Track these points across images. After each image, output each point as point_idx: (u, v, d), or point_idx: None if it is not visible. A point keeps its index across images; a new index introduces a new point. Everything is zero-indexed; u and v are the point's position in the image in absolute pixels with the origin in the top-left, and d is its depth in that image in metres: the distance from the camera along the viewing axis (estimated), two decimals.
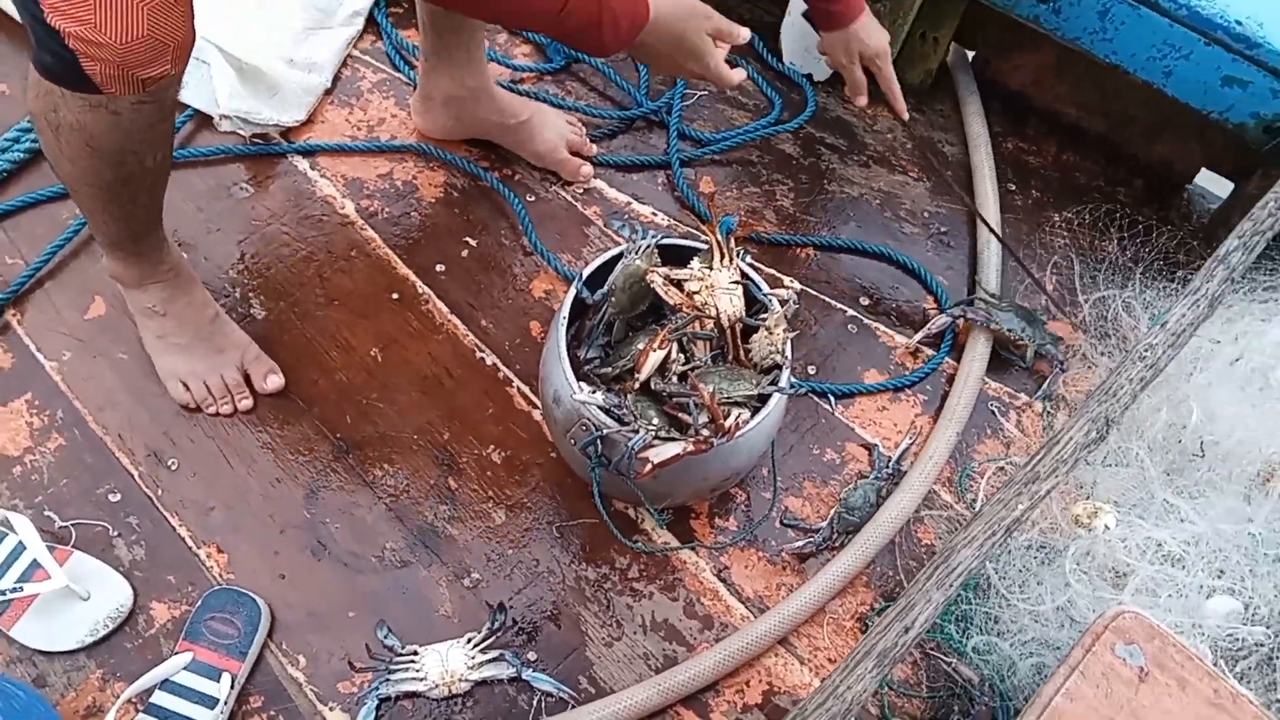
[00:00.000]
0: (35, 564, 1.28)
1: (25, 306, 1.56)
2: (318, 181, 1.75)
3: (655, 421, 1.26)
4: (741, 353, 1.35)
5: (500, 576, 1.41)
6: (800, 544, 1.46)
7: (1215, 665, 1.11)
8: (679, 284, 1.33)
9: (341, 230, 1.70)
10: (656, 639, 1.39)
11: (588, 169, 1.79)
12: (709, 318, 1.32)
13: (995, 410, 1.61)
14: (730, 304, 1.33)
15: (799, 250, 1.77)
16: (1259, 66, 1.60)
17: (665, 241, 1.39)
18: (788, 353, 1.32)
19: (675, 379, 1.29)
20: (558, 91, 1.90)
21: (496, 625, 1.34)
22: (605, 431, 1.24)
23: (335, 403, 1.53)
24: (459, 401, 1.55)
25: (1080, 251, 1.81)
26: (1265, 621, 1.21)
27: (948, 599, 1.09)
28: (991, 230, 1.74)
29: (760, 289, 1.36)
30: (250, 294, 1.61)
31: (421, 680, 1.30)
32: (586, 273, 1.36)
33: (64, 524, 1.38)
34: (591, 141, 1.82)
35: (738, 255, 1.36)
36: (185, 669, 1.26)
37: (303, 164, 1.76)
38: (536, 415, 1.54)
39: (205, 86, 1.73)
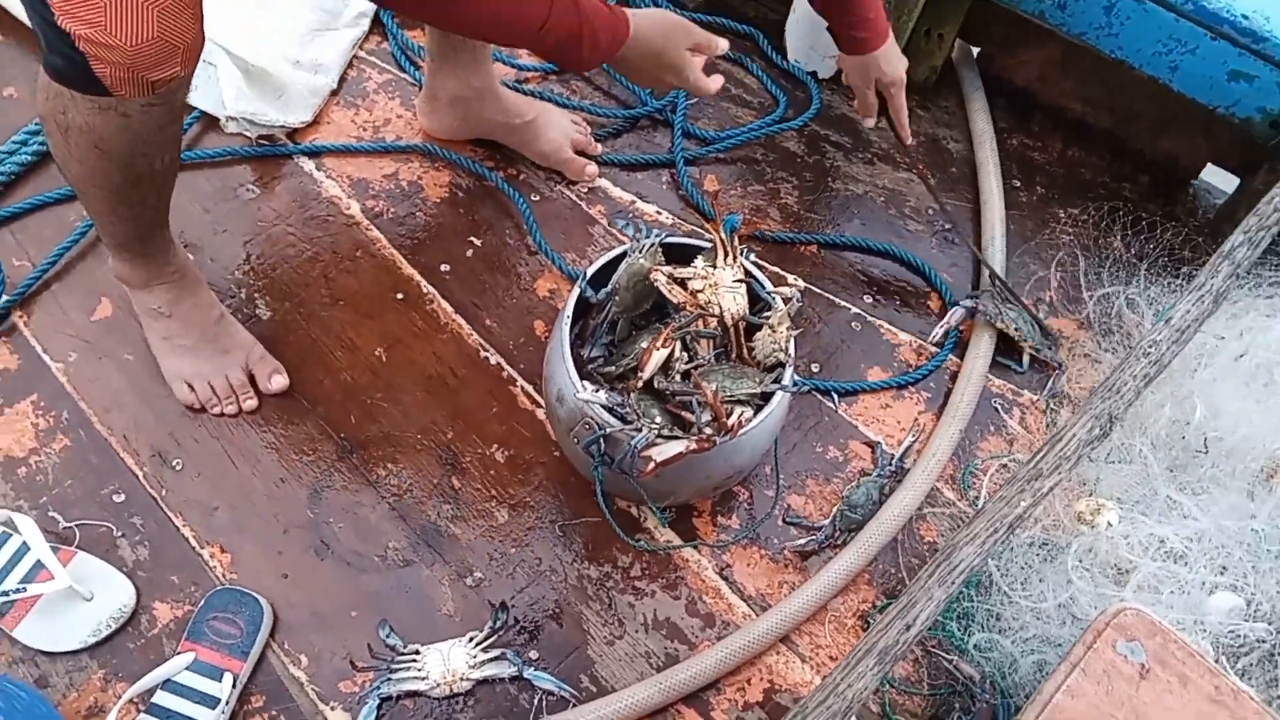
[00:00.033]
0: (39, 565, 1.29)
1: (32, 308, 1.57)
2: (323, 182, 1.75)
3: (658, 420, 1.26)
4: (745, 351, 1.35)
5: (503, 575, 1.42)
6: (802, 542, 1.46)
7: (1217, 662, 1.10)
8: (682, 282, 1.34)
9: (347, 231, 1.70)
10: (658, 637, 1.39)
11: (592, 168, 1.79)
12: (712, 316, 1.32)
13: (999, 407, 1.61)
14: (734, 302, 1.33)
15: (803, 248, 1.77)
16: (1266, 61, 1.59)
17: (669, 240, 1.39)
18: (791, 351, 1.32)
19: (678, 377, 1.30)
20: (563, 91, 1.91)
21: (498, 624, 1.34)
22: (608, 430, 1.24)
23: (340, 402, 1.53)
24: (463, 401, 1.55)
25: (1085, 248, 1.80)
26: (1267, 618, 1.20)
27: (950, 596, 1.09)
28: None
29: (764, 287, 1.36)
30: (256, 295, 1.62)
31: (423, 679, 1.31)
32: (590, 272, 1.36)
33: (68, 525, 1.39)
34: (596, 140, 1.83)
35: (741, 253, 1.36)
36: (187, 669, 1.27)
37: (308, 165, 1.77)
38: (540, 414, 1.54)
39: (212, 88, 1.74)
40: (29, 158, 1.69)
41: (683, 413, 1.26)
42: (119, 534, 1.40)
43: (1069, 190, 1.88)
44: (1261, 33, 1.57)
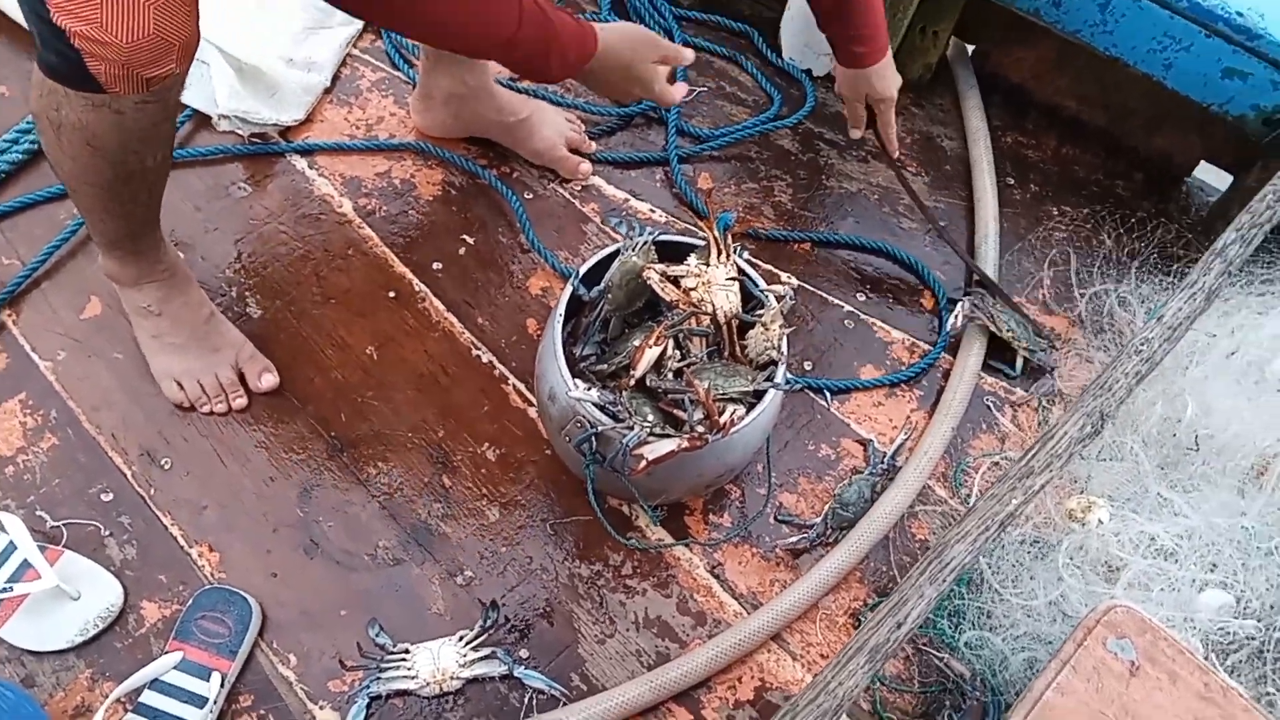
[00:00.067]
0: (26, 564, 1.29)
1: (21, 307, 1.56)
2: (316, 180, 1.75)
3: (650, 418, 1.25)
4: (737, 349, 1.34)
5: (493, 574, 1.41)
6: (794, 540, 1.45)
7: (1206, 659, 1.10)
8: (675, 280, 1.33)
9: (339, 229, 1.70)
10: (649, 636, 1.39)
11: (586, 166, 1.79)
12: (705, 314, 1.32)
13: (991, 405, 1.60)
14: (726, 300, 1.33)
15: (796, 246, 1.76)
16: (1259, 58, 1.59)
17: (662, 238, 1.39)
18: (784, 349, 1.32)
19: (671, 375, 1.29)
20: (557, 89, 1.90)
21: (489, 623, 1.34)
22: (600, 428, 1.24)
23: (330, 401, 1.53)
24: (454, 399, 1.55)
25: (1078, 245, 1.80)
26: (1257, 615, 1.20)
27: (941, 594, 1.08)
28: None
29: (757, 285, 1.36)
30: (247, 293, 1.61)
31: (413, 678, 1.30)
32: (583, 270, 1.36)
33: (55, 524, 1.39)
34: (590, 138, 1.82)
35: (735, 251, 1.36)
36: (175, 668, 1.26)
37: (301, 163, 1.77)
38: (532, 413, 1.54)
39: (204, 86, 1.74)
40: (20, 156, 1.68)
41: (675, 411, 1.25)
42: (107, 533, 1.39)
43: (1063, 188, 1.88)
44: (1256, 30, 1.57)
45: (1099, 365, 1.59)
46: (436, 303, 1.64)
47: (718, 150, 1.86)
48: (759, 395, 1.29)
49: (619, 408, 1.24)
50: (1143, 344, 1.30)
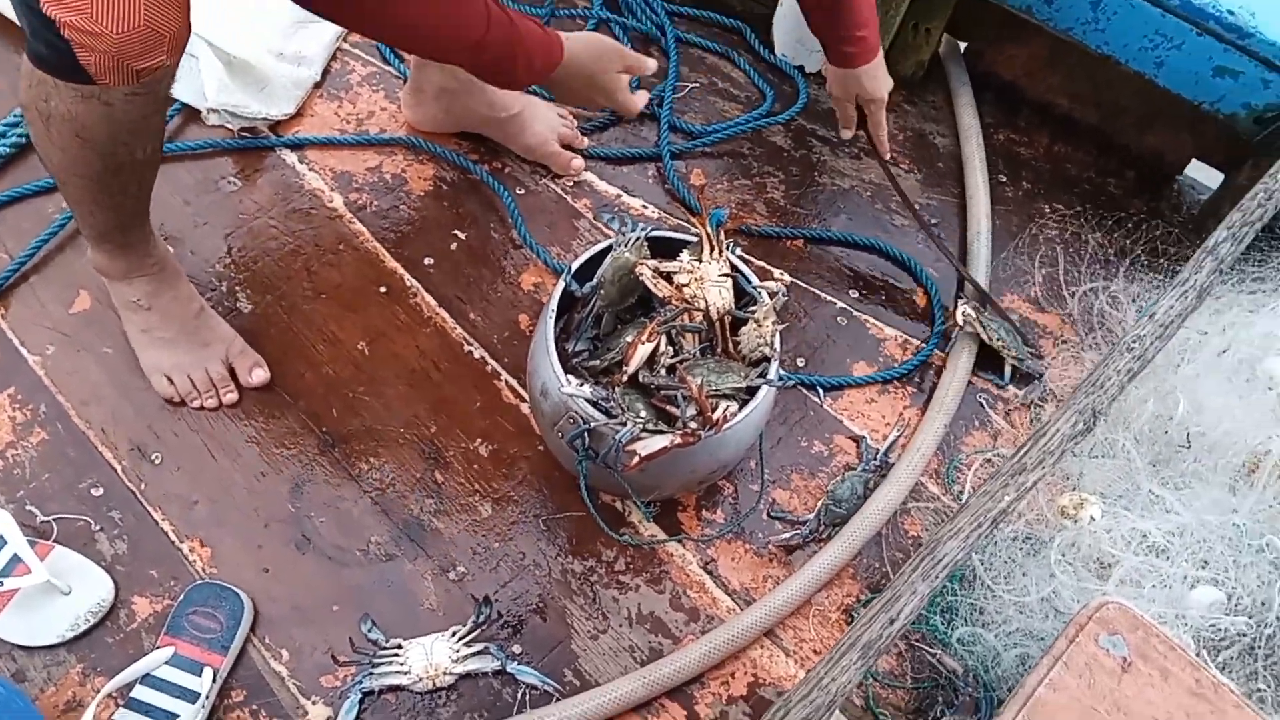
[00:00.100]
0: (16, 558, 1.28)
1: (9, 301, 1.55)
2: (306, 175, 1.74)
3: (643, 414, 1.25)
4: (730, 345, 1.34)
5: (486, 570, 1.41)
6: (787, 536, 1.46)
7: (1198, 655, 1.10)
8: (668, 276, 1.33)
9: (329, 224, 1.69)
10: (642, 631, 1.39)
11: (578, 162, 1.79)
12: (698, 310, 1.32)
13: (983, 402, 1.61)
14: (719, 296, 1.33)
15: (789, 242, 1.76)
16: (1250, 57, 1.60)
17: (655, 234, 1.38)
18: (776, 345, 1.32)
19: (663, 371, 1.29)
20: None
21: (481, 618, 1.33)
22: (593, 424, 1.23)
23: (322, 396, 1.52)
24: (446, 395, 1.54)
25: (1070, 243, 1.80)
26: (1248, 612, 1.21)
27: (933, 591, 1.08)
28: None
29: (749, 281, 1.35)
30: (237, 288, 1.60)
31: (405, 674, 1.30)
32: (575, 265, 1.35)
33: (46, 519, 1.38)
34: (582, 134, 1.82)
35: (727, 248, 1.36)
36: (167, 663, 1.26)
37: (291, 157, 1.76)
38: (524, 408, 1.54)
39: (193, 80, 1.72)
40: (7, 149, 1.67)
41: (668, 407, 1.25)
42: (97, 528, 1.39)
43: (1055, 185, 1.88)
44: (1247, 28, 1.57)
45: (1091, 362, 1.59)
46: (428, 298, 1.63)
47: (710, 146, 1.86)
48: (752, 392, 1.29)
49: (611, 404, 1.24)
50: (1134, 341, 1.30)
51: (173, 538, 1.39)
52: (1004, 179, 1.88)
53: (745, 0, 2.05)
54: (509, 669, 1.32)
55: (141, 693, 1.25)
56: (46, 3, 0.98)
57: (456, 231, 1.71)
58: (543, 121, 1.76)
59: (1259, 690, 1.17)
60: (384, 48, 1.90)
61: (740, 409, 1.26)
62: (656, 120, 1.86)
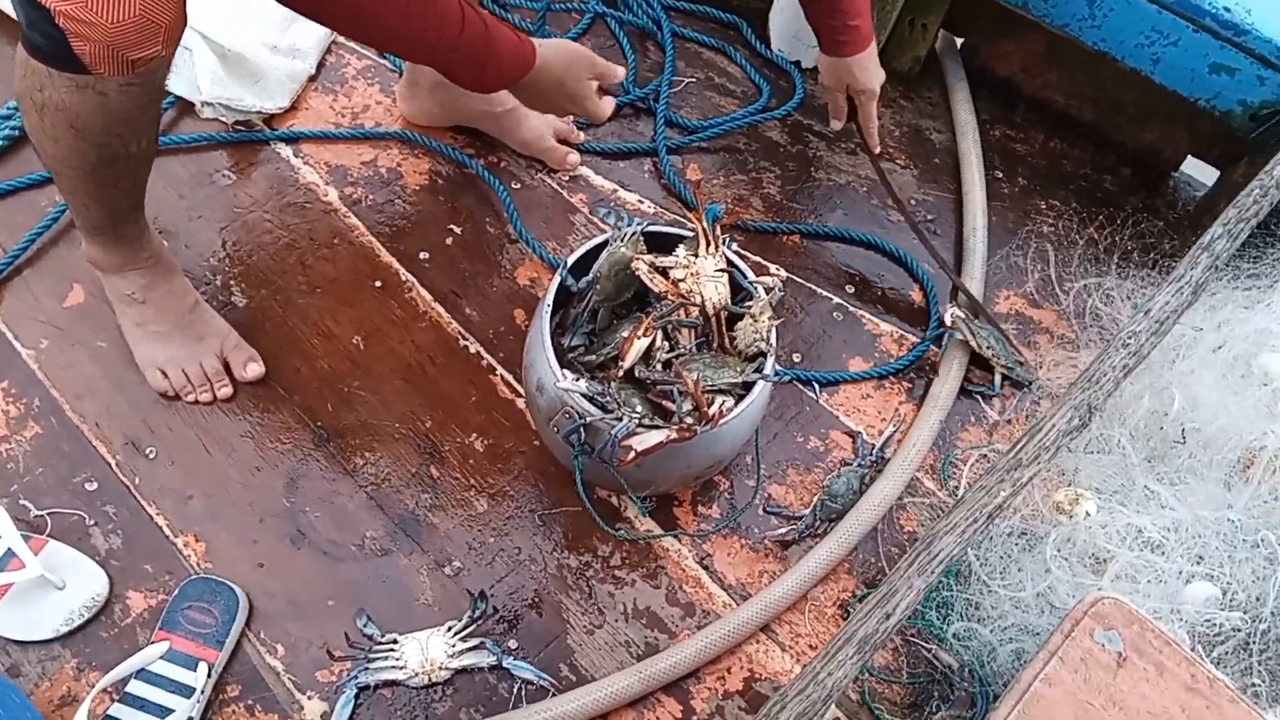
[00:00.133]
0: (10, 553, 1.27)
1: (3, 294, 1.55)
2: (301, 169, 1.73)
3: (639, 409, 1.25)
4: (726, 340, 1.34)
5: (481, 565, 1.41)
6: (783, 531, 1.46)
7: (1193, 650, 1.10)
8: (664, 271, 1.33)
9: (324, 218, 1.69)
10: (638, 626, 1.39)
11: (574, 157, 1.78)
12: (694, 305, 1.32)
13: (979, 398, 1.61)
14: (715, 291, 1.33)
15: (785, 238, 1.76)
16: (1246, 54, 1.60)
17: (651, 229, 1.38)
18: (772, 340, 1.32)
19: (659, 366, 1.29)
20: None
21: (477, 613, 1.33)
22: (588, 419, 1.23)
23: (316, 391, 1.52)
24: (442, 389, 1.54)
25: (1066, 239, 1.80)
26: (1242, 607, 1.21)
27: (929, 586, 1.09)
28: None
29: (746, 276, 1.35)
30: (231, 282, 1.60)
31: (401, 669, 1.30)
32: (571, 260, 1.35)
33: (40, 513, 1.37)
34: (578, 129, 1.82)
35: (723, 243, 1.36)
36: (162, 658, 1.26)
37: (286, 151, 1.75)
38: (520, 403, 1.54)
39: (188, 73, 1.72)
40: (1, 142, 1.66)
41: (664, 402, 1.25)
42: (91, 522, 1.38)
43: (1051, 182, 1.89)
44: (1243, 25, 1.57)
45: (1086, 358, 1.59)
46: (423, 293, 1.63)
47: (706, 141, 1.85)
48: (748, 387, 1.29)
49: (607, 399, 1.24)
50: (1130, 337, 1.30)
51: (167, 532, 1.39)
52: (1000, 175, 1.88)
53: None
54: (505, 664, 1.32)
55: (137, 688, 1.25)
56: None
57: (452, 226, 1.70)
58: (538, 116, 1.76)
59: (1254, 685, 1.18)
60: None
61: (736, 404, 1.26)
62: (652, 115, 1.85)
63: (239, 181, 1.70)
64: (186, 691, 1.24)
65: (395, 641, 1.31)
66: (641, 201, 1.77)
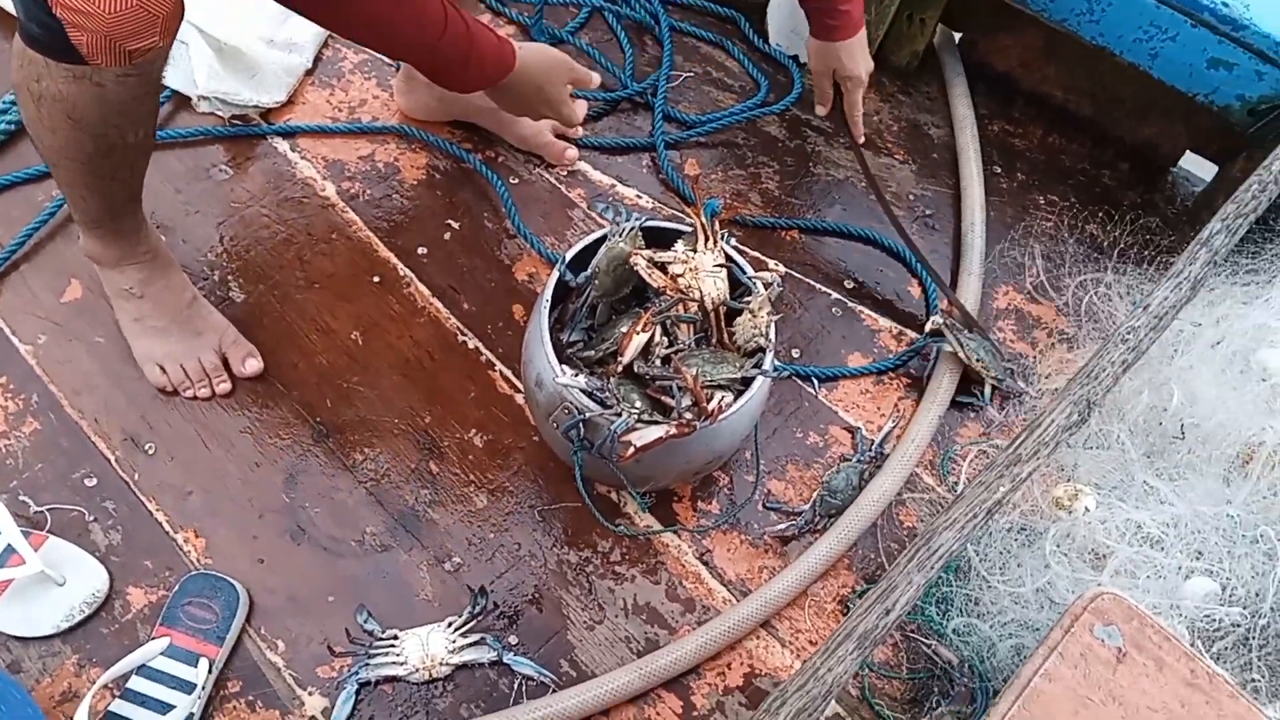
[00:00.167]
0: (10, 549, 1.27)
1: (0, 290, 1.54)
2: (298, 163, 1.73)
3: (638, 405, 1.25)
4: (725, 336, 1.34)
5: (481, 560, 1.41)
6: (782, 527, 1.46)
7: (1192, 646, 1.11)
8: (663, 267, 1.33)
9: (322, 212, 1.68)
10: (638, 622, 1.39)
11: (572, 152, 1.78)
12: (693, 301, 1.31)
13: (978, 393, 1.61)
14: (714, 287, 1.32)
15: (784, 233, 1.76)
16: (1245, 49, 1.60)
17: (649, 224, 1.38)
18: (771, 336, 1.32)
19: (658, 362, 1.29)
20: None
21: (477, 609, 1.34)
22: (588, 415, 1.23)
23: (315, 386, 1.52)
24: (440, 385, 1.54)
25: (1064, 234, 1.80)
26: (1242, 602, 1.21)
27: (928, 581, 1.09)
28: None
29: (744, 272, 1.35)
30: (229, 277, 1.60)
31: (401, 664, 1.30)
32: (570, 255, 1.35)
33: (39, 509, 1.37)
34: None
35: (722, 238, 1.35)
36: (162, 654, 1.26)
37: (283, 145, 1.75)
38: (519, 399, 1.53)
39: (184, 67, 1.71)
40: None
41: (663, 397, 1.25)
42: (91, 518, 1.38)
43: (1049, 177, 1.89)
44: (1241, 20, 1.57)
45: (1085, 353, 1.59)
46: (421, 288, 1.63)
47: (704, 136, 1.85)
48: (747, 382, 1.29)
49: (606, 394, 1.24)
50: (1129, 333, 1.30)
51: (167, 528, 1.39)
52: (998, 170, 1.88)
53: None
54: (505, 660, 1.32)
55: (138, 684, 1.25)
56: None
57: (450, 221, 1.70)
58: None
59: (1253, 680, 1.18)
60: None
61: (735, 400, 1.26)
62: (651, 110, 1.85)
63: (236, 176, 1.70)
64: (187, 687, 1.24)
65: (396, 637, 1.32)
66: (640, 196, 1.77)
